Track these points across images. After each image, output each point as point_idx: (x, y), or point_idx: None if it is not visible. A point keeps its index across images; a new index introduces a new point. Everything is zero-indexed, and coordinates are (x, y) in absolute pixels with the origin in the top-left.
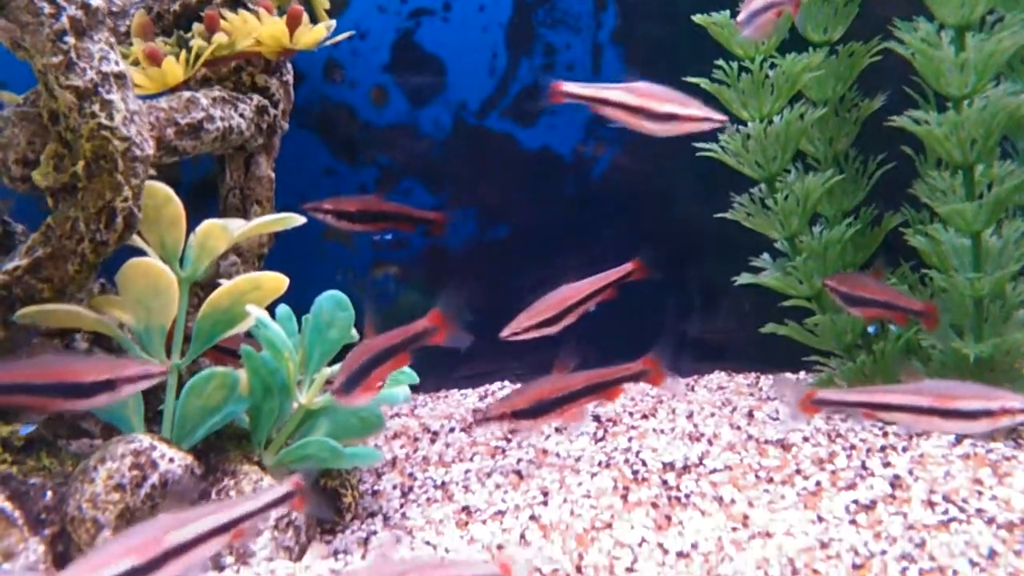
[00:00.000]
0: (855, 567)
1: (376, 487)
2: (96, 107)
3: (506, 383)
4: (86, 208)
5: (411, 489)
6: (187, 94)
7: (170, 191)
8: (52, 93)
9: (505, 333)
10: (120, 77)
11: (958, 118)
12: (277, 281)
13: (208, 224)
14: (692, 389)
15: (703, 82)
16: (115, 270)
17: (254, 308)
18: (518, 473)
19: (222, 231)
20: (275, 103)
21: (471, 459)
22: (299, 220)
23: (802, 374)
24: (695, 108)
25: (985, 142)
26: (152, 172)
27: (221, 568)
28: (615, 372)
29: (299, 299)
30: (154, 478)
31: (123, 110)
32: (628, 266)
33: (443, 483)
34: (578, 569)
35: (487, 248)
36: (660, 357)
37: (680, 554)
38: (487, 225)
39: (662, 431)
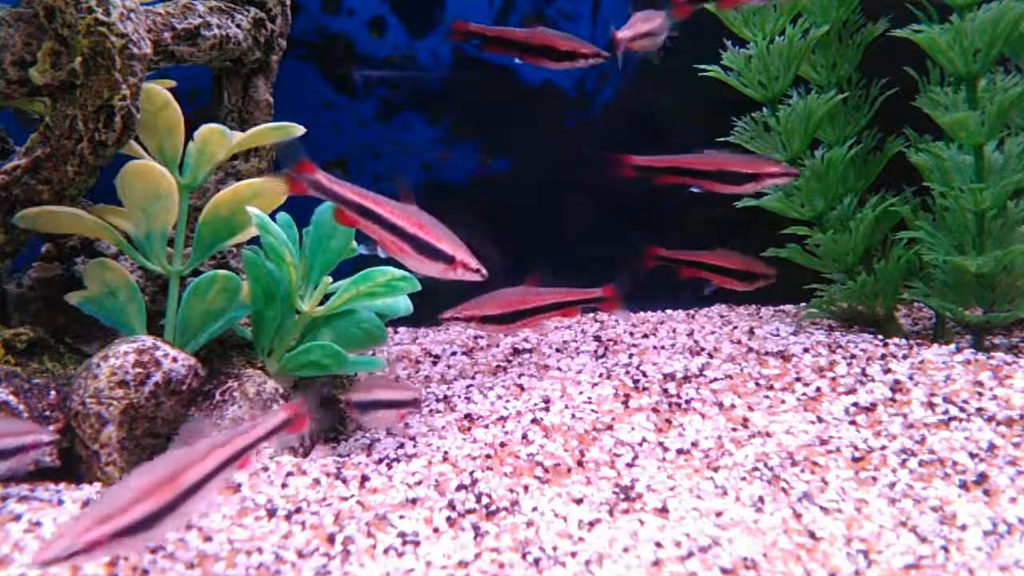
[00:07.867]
0: (855, 460)
1: None
2: (93, 2)
3: None
4: (84, 107)
5: None
6: (184, 0)
7: (168, 95)
8: None
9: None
10: None
11: (962, 24)
12: (278, 189)
13: (206, 128)
14: (692, 318)
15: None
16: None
17: (254, 210)
18: (520, 386)
19: (221, 136)
20: (272, 18)
21: (472, 377)
22: (299, 130)
23: (802, 304)
24: None
25: (988, 52)
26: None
27: None
28: (577, 294)
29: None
30: (157, 376)
31: (119, 6)
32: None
33: (445, 396)
34: (580, 464)
35: (487, 182)
36: (620, 288)
37: (680, 451)
38: (488, 159)
39: (663, 347)
